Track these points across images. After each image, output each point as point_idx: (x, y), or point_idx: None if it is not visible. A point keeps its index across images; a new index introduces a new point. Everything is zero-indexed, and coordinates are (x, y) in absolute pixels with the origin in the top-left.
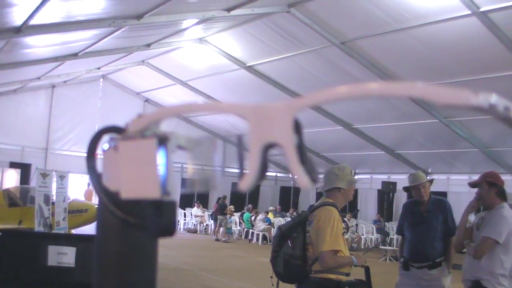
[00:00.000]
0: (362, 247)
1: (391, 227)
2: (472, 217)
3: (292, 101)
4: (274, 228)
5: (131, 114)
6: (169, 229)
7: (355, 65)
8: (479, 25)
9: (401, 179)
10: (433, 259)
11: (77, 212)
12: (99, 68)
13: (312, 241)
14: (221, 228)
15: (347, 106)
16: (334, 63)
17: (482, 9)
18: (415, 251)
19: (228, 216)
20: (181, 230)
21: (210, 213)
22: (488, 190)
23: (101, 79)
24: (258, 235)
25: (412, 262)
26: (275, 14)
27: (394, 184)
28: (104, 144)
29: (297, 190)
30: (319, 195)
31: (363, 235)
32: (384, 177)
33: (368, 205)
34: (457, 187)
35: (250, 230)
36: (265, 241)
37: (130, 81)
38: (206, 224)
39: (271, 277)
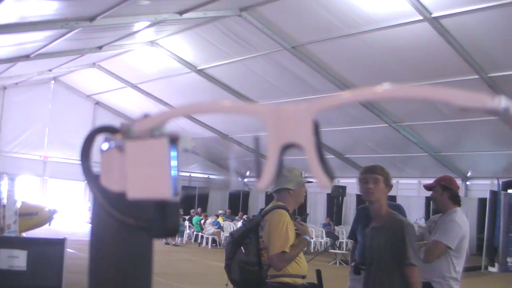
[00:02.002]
0: (312, 250)
1: (341, 231)
2: (422, 221)
3: (312, 103)
4: (223, 231)
5: (81, 116)
6: (174, 229)
7: (306, 70)
8: (431, 31)
9: (351, 183)
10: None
11: (28, 215)
12: (50, 70)
13: (265, 246)
14: None
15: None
16: (285, 67)
17: (434, 15)
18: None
19: (181, 219)
20: None
21: None
22: (441, 193)
23: (53, 81)
24: (207, 238)
25: (364, 266)
26: (227, 18)
27: (343, 188)
28: (103, 144)
29: (246, 194)
30: (268, 198)
31: (312, 238)
32: (334, 181)
33: (318, 209)
34: (406, 191)
35: (200, 234)
36: (214, 245)
37: (81, 84)
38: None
39: (227, 285)
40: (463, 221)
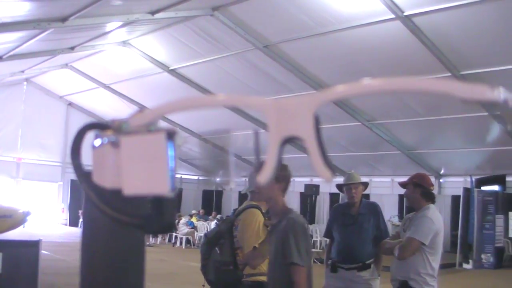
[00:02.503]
0: None
1: (314, 229)
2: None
3: (314, 96)
4: (197, 231)
5: (54, 117)
6: (170, 225)
7: (278, 69)
8: (403, 29)
9: (324, 182)
10: (362, 261)
11: (1, 217)
12: (23, 71)
13: (240, 245)
14: None
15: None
16: (258, 66)
17: (406, 13)
18: (344, 253)
19: None
20: None
21: None
22: (414, 191)
23: (25, 83)
24: (181, 238)
25: (341, 263)
26: (199, 17)
27: (317, 187)
28: (95, 141)
29: (219, 194)
30: (241, 198)
31: None
32: (307, 180)
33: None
34: (379, 189)
35: (174, 234)
36: (188, 245)
37: (54, 85)
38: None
39: (203, 286)
40: (436, 217)
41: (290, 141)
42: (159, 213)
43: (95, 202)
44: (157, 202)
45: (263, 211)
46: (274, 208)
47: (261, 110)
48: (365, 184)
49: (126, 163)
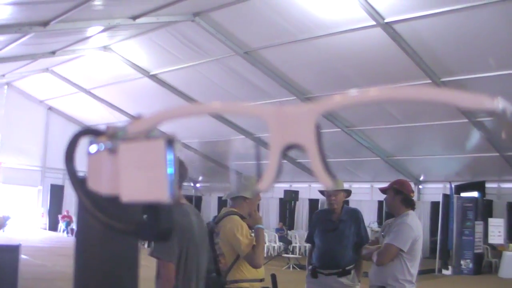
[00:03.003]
0: (265, 255)
1: (294, 235)
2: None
3: (316, 104)
4: None
5: (34, 122)
6: (167, 233)
7: (258, 75)
8: (384, 36)
9: (303, 188)
10: (343, 267)
11: None
12: (3, 75)
13: (222, 252)
14: None
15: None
16: (238, 72)
17: (386, 20)
18: (325, 258)
19: None
20: None
21: None
22: (394, 197)
23: (6, 87)
24: None
25: (322, 269)
26: (180, 23)
27: (296, 192)
28: (91, 147)
29: (198, 199)
30: (220, 204)
31: (265, 243)
32: (286, 186)
33: (270, 214)
34: (359, 195)
35: None
36: None
37: (34, 89)
38: None
39: None
40: (415, 224)
41: (291, 149)
42: (155, 220)
43: (89, 209)
44: (153, 209)
45: (244, 217)
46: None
47: (261, 118)
48: (347, 192)
49: (124, 169)
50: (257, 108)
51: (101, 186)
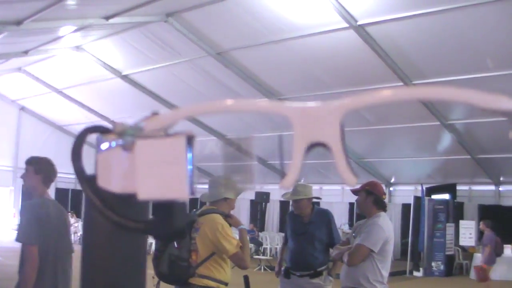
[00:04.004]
0: None
1: (265, 237)
2: (346, 227)
3: (341, 102)
4: (148, 238)
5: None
6: (181, 231)
7: (230, 76)
8: (356, 39)
9: (274, 190)
10: (314, 268)
11: None
12: None
13: (196, 248)
14: None
15: (222, 118)
16: (210, 73)
17: (359, 23)
18: (297, 260)
19: None
20: None
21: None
22: (365, 198)
23: None
24: None
25: (294, 270)
26: (153, 24)
27: (267, 194)
28: (103, 144)
29: None
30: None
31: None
32: (257, 187)
33: (241, 215)
34: (330, 197)
35: None
36: None
37: (6, 88)
38: (81, 234)
39: (153, 277)
40: (387, 225)
41: (315, 147)
42: (169, 218)
43: (98, 207)
44: (167, 206)
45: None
46: (35, 193)
47: (285, 116)
48: (310, 199)
49: (141, 166)
50: (281, 106)
51: (113, 184)
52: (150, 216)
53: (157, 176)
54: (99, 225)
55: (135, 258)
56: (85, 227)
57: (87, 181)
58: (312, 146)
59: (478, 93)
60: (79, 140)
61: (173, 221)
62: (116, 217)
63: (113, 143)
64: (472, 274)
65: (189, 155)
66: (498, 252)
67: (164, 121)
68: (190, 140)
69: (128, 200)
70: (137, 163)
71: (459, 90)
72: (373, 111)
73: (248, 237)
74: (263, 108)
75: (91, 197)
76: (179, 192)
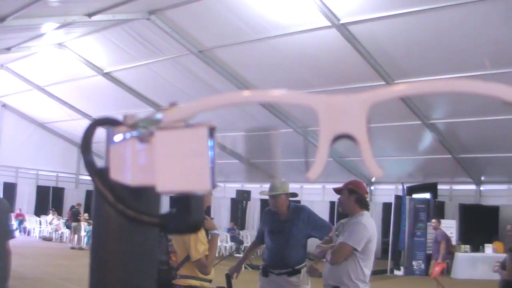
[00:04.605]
0: (217, 255)
1: (245, 235)
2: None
3: (368, 94)
4: None
5: None
6: (198, 224)
7: (212, 74)
8: (339, 37)
9: (255, 188)
10: (292, 266)
11: None
12: None
13: (174, 250)
14: (75, 236)
15: (201, 115)
16: (192, 71)
17: (342, 22)
18: (274, 258)
19: (87, 224)
20: (37, 238)
21: (64, 221)
22: (348, 197)
23: None
24: None
25: (272, 268)
26: (135, 21)
27: (248, 192)
28: (116, 136)
29: None
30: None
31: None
32: (238, 185)
33: (222, 214)
34: (310, 195)
35: None
36: None
37: None
38: (62, 232)
39: None
40: (370, 224)
41: (341, 139)
42: (186, 211)
43: (110, 201)
44: (185, 199)
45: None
46: None
47: (311, 108)
48: (293, 193)
49: (161, 159)
50: (307, 98)
51: (128, 176)
52: (162, 210)
53: (177, 168)
54: (110, 220)
55: (147, 253)
56: (96, 222)
57: (99, 174)
58: (338, 138)
59: (505, 87)
60: (89, 132)
61: (190, 215)
62: (130, 211)
63: (128, 135)
64: (454, 273)
65: (211, 146)
66: (449, 249)
67: (183, 112)
68: (211, 131)
69: (140, 194)
70: (156, 155)
71: (488, 84)
72: None
73: (218, 242)
74: (291, 99)
75: (103, 190)
76: (201, 184)
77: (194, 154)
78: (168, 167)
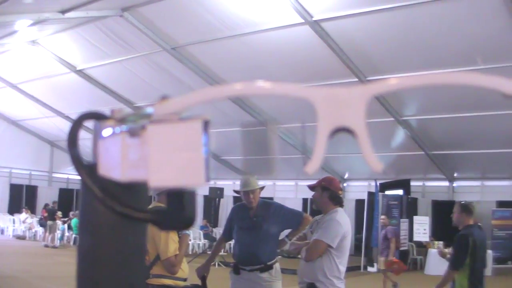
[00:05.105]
0: (190, 252)
1: (218, 232)
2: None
3: (367, 87)
4: None
5: None
6: (191, 220)
7: (185, 71)
8: (312, 34)
9: (228, 185)
10: (264, 262)
11: None
12: None
13: (147, 248)
14: (52, 234)
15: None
16: (164, 68)
17: (315, 18)
18: (245, 255)
19: (60, 222)
20: (10, 236)
21: (38, 219)
22: (321, 194)
23: None
24: None
25: (243, 265)
26: (108, 18)
27: (221, 190)
28: (105, 130)
29: None
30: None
31: (190, 240)
32: (211, 183)
33: None
34: (283, 192)
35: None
36: None
37: None
38: (35, 230)
39: None
40: (344, 221)
41: (339, 132)
42: (179, 207)
43: (99, 197)
44: (177, 195)
45: None
46: None
47: (310, 100)
48: (262, 187)
49: (154, 153)
50: (305, 90)
51: (118, 172)
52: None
53: (171, 162)
54: (98, 216)
55: (137, 250)
56: (83, 219)
57: (86, 169)
58: (336, 131)
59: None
60: (76, 126)
61: (183, 210)
62: (120, 207)
63: (118, 129)
64: (427, 269)
65: (206, 140)
66: (397, 245)
67: (175, 105)
68: (206, 124)
69: (129, 189)
70: (149, 149)
71: (490, 77)
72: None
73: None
74: (288, 91)
75: (91, 186)
76: (195, 179)
77: (188, 148)
78: (161, 162)
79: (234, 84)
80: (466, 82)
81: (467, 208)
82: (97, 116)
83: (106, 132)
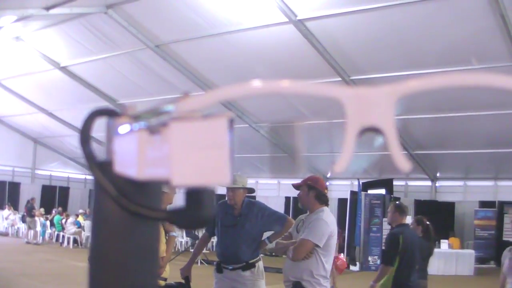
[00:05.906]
0: (172, 250)
1: (201, 230)
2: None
3: (396, 86)
4: (84, 231)
5: None
6: (207, 219)
7: (169, 69)
8: (296, 33)
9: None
10: (246, 260)
11: None
12: None
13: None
14: (31, 231)
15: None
16: (148, 66)
17: (299, 17)
18: (227, 253)
19: (43, 218)
20: None
21: (21, 216)
22: (307, 193)
23: None
24: (69, 238)
25: (225, 264)
26: (92, 15)
27: None
28: (121, 127)
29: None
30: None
31: (177, 237)
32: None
33: None
34: (265, 191)
35: (61, 234)
36: (76, 245)
37: None
38: (18, 227)
39: None
40: (331, 220)
41: (367, 131)
42: (197, 206)
43: (113, 195)
44: (195, 193)
45: None
46: None
47: (338, 100)
48: (250, 189)
49: (176, 151)
50: (333, 89)
51: (135, 170)
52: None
53: (194, 161)
54: (111, 215)
55: (150, 250)
56: (95, 218)
57: (100, 166)
58: (365, 130)
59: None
60: (88, 123)
61: (201, 210)
62: (135, 206)
63: (136, 126)
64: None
65: (231, 138)
66: (340, 244)
67: (197, 102)
68: (230, 122)
69: (142, 187)
70: (171, 146)
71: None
72: (309, 105)
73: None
74: (315, 91)
75: (105, 184)
76: (219, 177)
77: (213, 146)
78: (183, 160)
79: (260, 82)
80: (489, 84)
81: (400, 208)
82: (109, 113)
83: (123, 129)
